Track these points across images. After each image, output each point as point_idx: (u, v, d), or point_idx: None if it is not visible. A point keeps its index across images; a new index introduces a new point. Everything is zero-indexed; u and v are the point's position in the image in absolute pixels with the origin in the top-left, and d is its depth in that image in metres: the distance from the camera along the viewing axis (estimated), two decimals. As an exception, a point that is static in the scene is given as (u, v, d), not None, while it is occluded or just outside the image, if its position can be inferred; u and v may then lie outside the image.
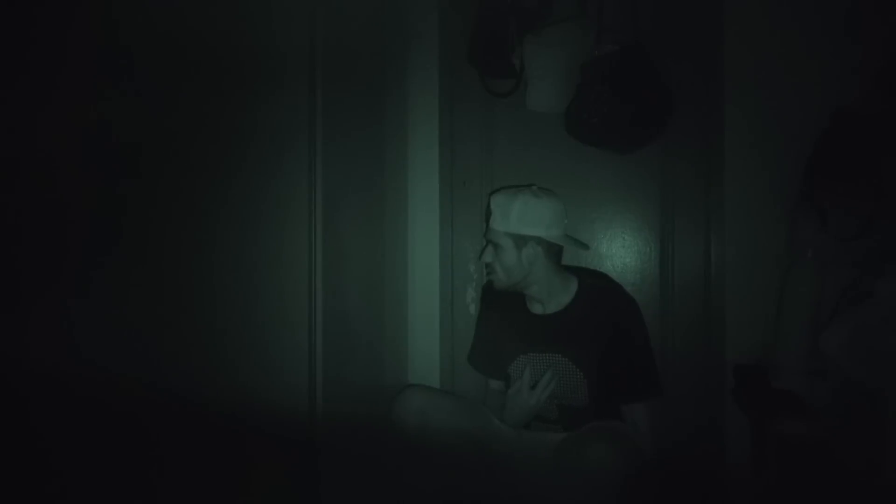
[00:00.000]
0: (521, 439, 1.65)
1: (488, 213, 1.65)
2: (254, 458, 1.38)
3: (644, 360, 1.62)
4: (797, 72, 1.88)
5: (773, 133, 1.90)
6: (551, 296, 1.64)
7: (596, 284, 1.70)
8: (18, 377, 1.08)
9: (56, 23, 1.13)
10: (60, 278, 1.14)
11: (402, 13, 2.14)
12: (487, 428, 1.64)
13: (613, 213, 2.09)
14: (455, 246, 2.20)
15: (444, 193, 2.18)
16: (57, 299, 1.14)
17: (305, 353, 1.45)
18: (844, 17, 1.81)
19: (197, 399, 1.28)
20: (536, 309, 1.67)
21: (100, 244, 1.19)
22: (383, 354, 1.96)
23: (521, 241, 1.58)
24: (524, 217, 1.57)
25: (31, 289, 1.11)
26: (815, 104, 1.80)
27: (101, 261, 1.18)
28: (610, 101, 1.78)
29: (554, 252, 1.62)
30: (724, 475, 1.94)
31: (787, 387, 1.70)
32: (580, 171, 2.07)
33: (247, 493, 1.38)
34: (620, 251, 2.09)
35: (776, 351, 1.76)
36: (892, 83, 1.69)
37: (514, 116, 2.10)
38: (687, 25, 2.00)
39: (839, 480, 1.57)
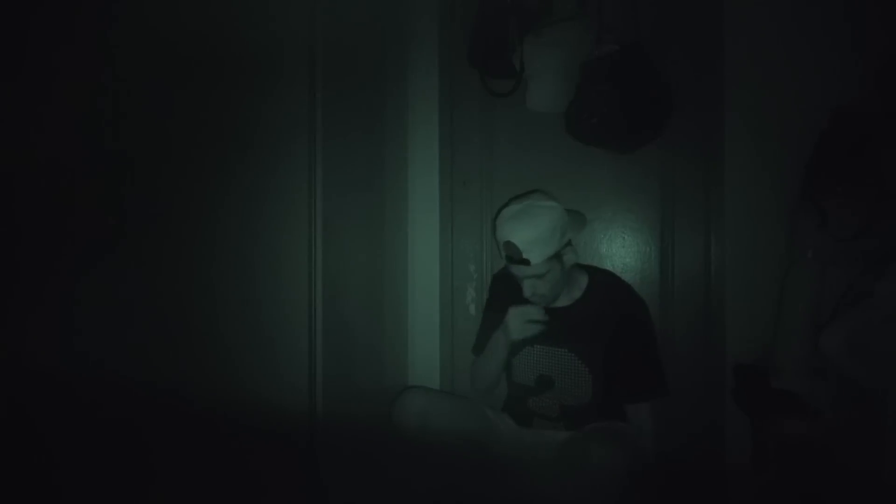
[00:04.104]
0: (523, 439, 1.65)
1: (513, 254, 1.51)
2: (254, 458, 1.38)
3: (651, 360, 1.61)
4: (797, 72, 1.88)
5: (773, 133, 1.90)
6: (567, 290, 1.64)
7: (606, 281, 1.70)
8: (19, 377, 1.08)
9: (55, 23, 1.13)
10: (61, 279, 1.14)
11: (402, 13, 2.14)
12: (488, 429, 1.64)
13: (613, 213, 2.09)
14: (455, 246, 2.20)
15: (444, 193, 2.18)
16: (57, 300, 1.14)
17: (305, 353, 1.45)
18: (844, 16, 1.81)
19: (197, 399, 1.28)
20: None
21: (100, 245, 1.19)
22: (383, 354, 1.96)
23: (560, 253, 1.54)
24: (558, 232, 1.52)
25: (32, 289, 1.11)
26: (815, 104, 1.79)
27: (101, 261, 1.18)
28: (610, 101, 1.78)
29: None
30: (724, 475, 1.94)
31: (787, 387, 1.70)
32: (580, 171, 2.07)
33: (247, 492, 1.37)
34: (620, 251, 2.09)
35: (776, 351, 1.76)
36: (892, 83, 1.69)
37: (514, 116, 2.09)
38: (687, 25, 2.00)
39: (839, 480, 1.57)
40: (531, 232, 1.49)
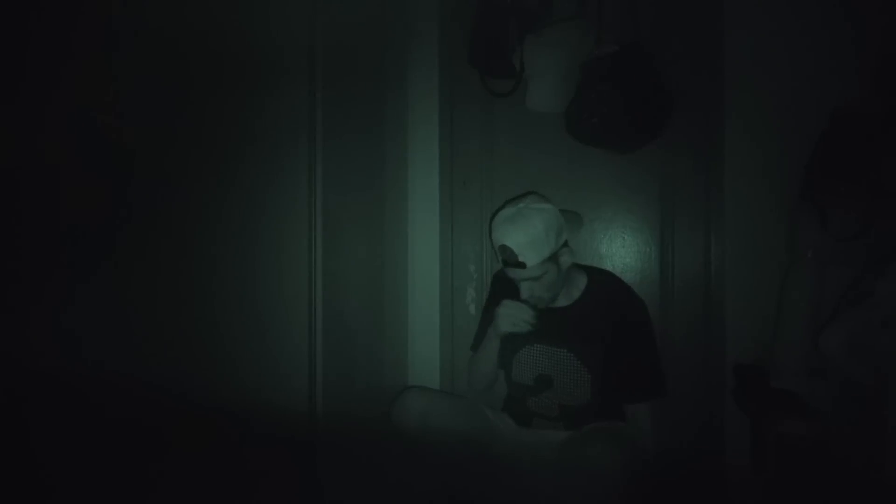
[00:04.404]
0: (522, 439, 1.65)
1: (508, 258, 1.51)
2: (254, 458, 1.38)
3: (650, 361, 1.61)
4: (797, 72, 1.88)
5: (773, 133, 1.91)
6: (566, 290, 1.64)
7: (605, 281, 1.70)
8: (19, 377, 1.08)
9: (56, 24, 1.13)
10: (62, 280, 1.14)
11: (402, 13, 2.14)
12: (488, 429, 1.64)
13: (613, 213, 2.09)
14: (455, 246, 2.20)
15: (444, 193, 2.18)
16: (58, 300, 1.14)
17: (305, 354, 1.45)
18: (844, 16, 1.81)
19: (197, 399, 1.28)
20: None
21: (100, 245, 1.18)
22: (383, 354, 1.96)
23: (556, 255, 1.54)
24: (553, 234, 1.51)
25: (31, 290, 1.11)
26: (815, 104, 1.80)
27: (101, 262, 1.18)
28: (610, 101, 1.78)
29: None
30: (724, 475, 1.94)
31: (787, 387, 1.70)
32: (580, 171, 2.07)
33: (247, 493, 1.37)
34: (620, 251, 2.09)
35: (776, 351, 1.76)
36: (891, 83, 1.69)
37: (514, 116, 2.09)
38: (687, 25, 2.00)
39: (839, 480, 1.57)
40: (524, 235, 1.49)
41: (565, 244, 1.57)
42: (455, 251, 2.20)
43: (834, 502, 1.58)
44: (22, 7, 1.08)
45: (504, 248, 1.50)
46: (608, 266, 2.07)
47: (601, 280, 1.69)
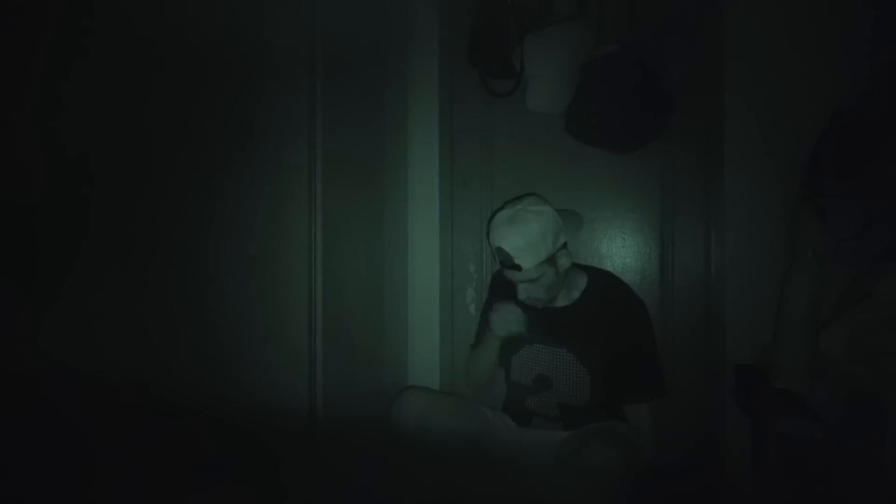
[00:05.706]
0: (522, 439, 1.65)
1: (505, 260, 1.51)
2: (254, 460, 1.38)
3: (650, 361, 1.61)
4: (797, 71, 1.88)
5: (774, 133, 1.90)
6: (566, 291, 1.64)
7: (605, 282, 1.70)
8: (19, 379, 1.08)
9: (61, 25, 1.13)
10: (60, 280, 1.14)
11: (402, 13, 2.14)
12: (487, 429, 1.64)
13: (613, 213, 2.09)
14: (455, 246, 2.20)
15: (444, 193, 2.18)
16: (57, 300, 1.13)
17: (305, 355, 1.45)
18: (845, 17, 1.81)
19: (198, 401, 1.28)
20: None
21: (99, 244, 1.18)
22: (383, 355, 1.96)
23: (553, 257, 1.53)
24: (550, 237, 1.50)
25: (30, 290, 1.11)
26: (816, 104, 1.80)
27: (100, 262, 1.18)
28: (610, 101, 1.77)
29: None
30: (724, 475, 1.94)
31: (787, 387, 1.70)
32: (580, 171, 2.07)
33: (247, 493, 1.37)
34: (620, 251, 2.09)
35: (776, 351, 1.76)
36: (892, 83, 1.69)
37: (514, 116, 2.09)
38: (687, 25, 2.00)
39: (839, 480, 1.57)
40: (521, 239, 1.48)
41: (564, 246, 1.56)
42: (455, 251, 2.20)
43: (834, 502, 1.58)
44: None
45: (501, 251, 1.50)
46: (608, 266, 2.07)
47: (601, 280, 1.69)
